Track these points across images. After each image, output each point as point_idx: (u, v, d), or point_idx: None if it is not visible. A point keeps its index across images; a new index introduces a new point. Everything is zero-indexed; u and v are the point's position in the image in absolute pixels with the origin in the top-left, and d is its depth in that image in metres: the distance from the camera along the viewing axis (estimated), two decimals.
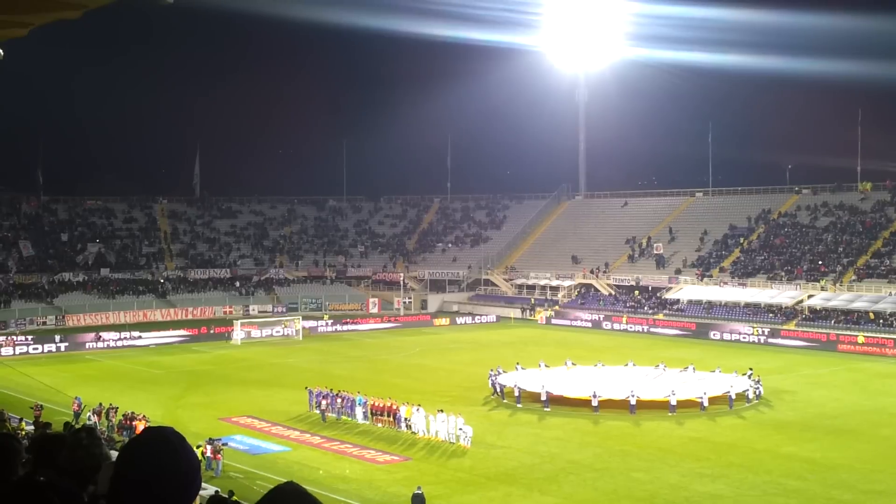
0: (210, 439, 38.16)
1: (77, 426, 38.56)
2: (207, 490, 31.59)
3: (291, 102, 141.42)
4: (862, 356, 68.66)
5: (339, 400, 47.40)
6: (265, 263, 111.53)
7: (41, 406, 44.03)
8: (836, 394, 53.77)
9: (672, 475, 36.18)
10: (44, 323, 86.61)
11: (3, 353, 69.35)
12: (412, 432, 43.17)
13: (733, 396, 49.27)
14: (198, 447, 36.76)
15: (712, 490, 34.14)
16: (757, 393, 51.08)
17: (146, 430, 3.27)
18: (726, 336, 79.02)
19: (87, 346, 73.76)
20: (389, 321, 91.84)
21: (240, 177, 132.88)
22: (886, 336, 71.16)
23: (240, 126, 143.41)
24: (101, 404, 44.83)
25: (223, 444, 38.36)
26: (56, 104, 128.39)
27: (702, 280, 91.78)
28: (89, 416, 43.63)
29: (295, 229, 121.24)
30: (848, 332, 73.18)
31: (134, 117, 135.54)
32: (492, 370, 54.09)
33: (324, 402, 47.34)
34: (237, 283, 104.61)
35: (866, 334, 72.03)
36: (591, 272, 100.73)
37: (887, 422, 45.79)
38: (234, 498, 29.13)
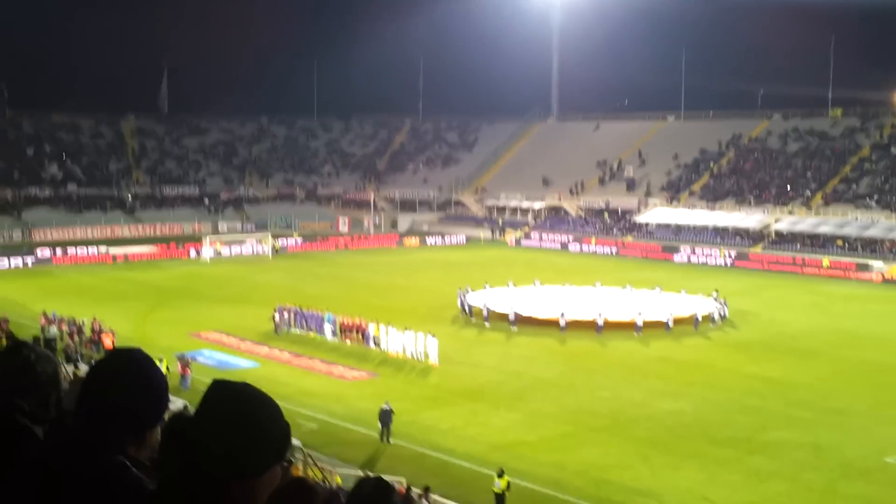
0: (179, 354, 38.31)
1: (43, 339, 38.58)
2: (176, 404, 31.84)
3: (262, 19, 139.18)
4: (826, 279, 69.56)
5: (286, 313, 48.06)
6: (234, 182, 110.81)
7: (7, 320, 43.79)
8: (800, 315, 54.55)
9: (636, 393, 36.76)
10: (10, 237, 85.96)
11: None
12: (380, 350, 43.50)
13: (699, 318, 49.91)
14: (160, 360, 36.84)
15: (674, 407, 34.74)
16: (722, 314, 51.72)
17: (114, 350, 3.28)
18: (693, 259, 79.77)
19: (53, 262, 73.41)
20: (360, 239, 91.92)
21: (208, 94, 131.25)
22: (850, 260, 72.11)
23: (209, 43, 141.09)
24: (61, 318, 44.82)
25: (192, 359, 38.53)
26: (22, 16, 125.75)
27: (671, 203, 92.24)
28: (52, 329, 43.63)
29: (265, 148, 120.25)
30: (813, 256, 74.06)
31: (101, 32, 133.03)
32: (461, 290, 54.40)
33: (276, 316, 47.87)
34: (206, 201, 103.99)
35: (831, 258, 72.94)
36: (562, 195, 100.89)
37: (848, 343, 46.60)
38: None
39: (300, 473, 23.71)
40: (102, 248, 77.70)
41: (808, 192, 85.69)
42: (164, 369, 31.96)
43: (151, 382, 3.07)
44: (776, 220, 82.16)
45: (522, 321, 49.19)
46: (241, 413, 2.63)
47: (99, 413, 2.94)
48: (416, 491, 23.33)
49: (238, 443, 2.59)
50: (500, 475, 25.16)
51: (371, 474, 25.32)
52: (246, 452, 2.59)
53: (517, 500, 25.04)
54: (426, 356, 41.41)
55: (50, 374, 4.20)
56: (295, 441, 28.20)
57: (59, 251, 75.47)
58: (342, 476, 26.09)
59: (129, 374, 3.02)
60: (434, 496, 23.77)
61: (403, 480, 25.10)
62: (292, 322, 48.04)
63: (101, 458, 2.86)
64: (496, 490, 25.03)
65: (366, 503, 3.45)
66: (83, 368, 34.99)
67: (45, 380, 4.15)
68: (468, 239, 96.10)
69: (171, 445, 3.44)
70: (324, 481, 23.85)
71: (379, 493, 3.49)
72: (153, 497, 2.68)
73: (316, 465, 25.76)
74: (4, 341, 30.25)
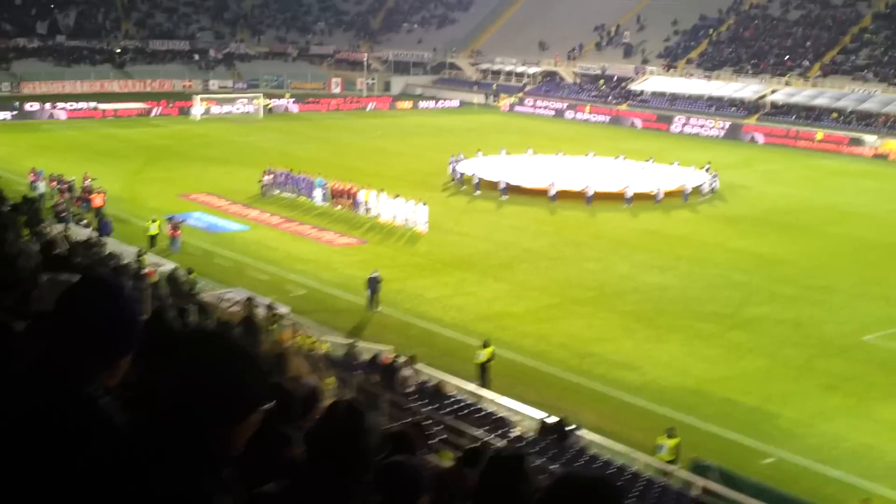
0: (170, 216, 38.31)
1: (31, 197, 38.42)
2: (166, 266, 32.01)
3: None
4: (819, 153, 69.40)
5: (270, 176, 48.14)
6: (225, 37, 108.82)
7: None
8: (790, 190, 54.58)
9: (623, 266, 37.04)
10: None
11: None
12: (370, 216, 43.57)
13: (688, 190, 49.91)
14: (152, 221, 36.96)
15: (660, 281, 35.07)
16: (712, 187, 51.77)
17: (85, 278, 3.23)
18: (688, 129, 79.29)
19: (43, 116, 72.71)
20: (352, 101, 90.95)
21: None
22: (844, 134, 71.80)
23: None
24: (49, 175, 44.80)
25: (181, 221, 38.56)
26: None
27: (668, 71, 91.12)
28: (40, 186, 43.52)
29: (256, 2, 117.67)
30: (807, 128, 73.67)
31: None
32: (452, 156, 54.16)
33: (265, 179, 47.92)
34: (196, 57, 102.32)
35: (825, 131, 72.58)
36: (558, 59, 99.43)
37: (836, 219, 46.79)
38: (192, 275, 29.60)
39: (288, 341, 24.03)
40: (91, 104, 76.84)
41: (806, 63, 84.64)
42: (155, 230, 31.92)
43: (124, 312, 3.04)
44: (772, 91, 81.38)
45: (512, 190, 49.18)
46: (219, 364, 2.67)
47: (70, 344, 2.94)
48: (402, 359, 23.69)
49: (217, 395, 2.62)
50: (485, 346, 25.53)
51: (357, 340, 25.69)
52: (226, 403, 2.63)
53: (501, 370, 25.46)
54: (416, 224, 41.54)
55: (31, 270, 4.20)
56: (283, 308, 28.54)
57: (47, 105, 74.63)
58: (331, 344, 26.47)
59: (101, 303, 2.99)
60: (419, 365, 24.16)
61: (391, 349, 25.49)
62: (283, 185, 47.97)
63: (71, 390, 2.87)
64: (479, 360, 25.44)
65: (337, 427, 3.47)
66: (73, 229, 35.05)
67: (26, 275, 4.15)
68: (462, 103, 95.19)
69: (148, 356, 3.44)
70: (311, 351, 24.19)
71: (350, 417, 3.50)
72: (130, 434, 2.71)
73: (304, 332, 26.08)
74: None
